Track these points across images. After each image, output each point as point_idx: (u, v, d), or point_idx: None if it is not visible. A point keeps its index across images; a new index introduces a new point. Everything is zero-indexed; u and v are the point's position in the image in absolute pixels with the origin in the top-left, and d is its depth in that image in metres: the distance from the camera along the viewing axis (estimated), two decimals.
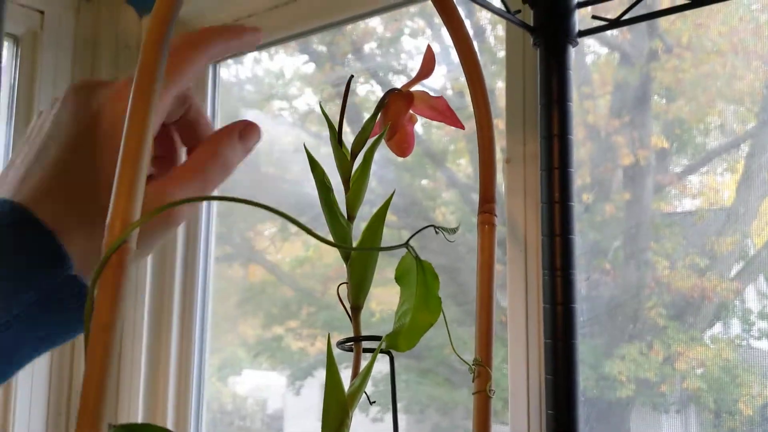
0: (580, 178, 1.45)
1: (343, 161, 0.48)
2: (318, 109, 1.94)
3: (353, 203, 0.48)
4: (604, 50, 1.67)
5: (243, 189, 1.65)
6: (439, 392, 1.54)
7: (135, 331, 1.30)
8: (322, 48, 1.79)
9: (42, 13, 1.39)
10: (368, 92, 1.87)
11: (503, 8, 0.67)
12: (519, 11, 0.68)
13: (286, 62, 1.83)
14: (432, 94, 0.54)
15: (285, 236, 1.89)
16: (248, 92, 1.63)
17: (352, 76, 0.51)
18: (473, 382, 0.43)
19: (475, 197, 0.48)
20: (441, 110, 0.51)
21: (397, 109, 0.50)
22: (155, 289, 1.33)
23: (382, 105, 0.50)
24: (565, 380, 0.63)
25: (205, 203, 1.39)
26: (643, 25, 1.35)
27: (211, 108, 1.44)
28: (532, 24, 0.67)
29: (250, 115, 1.70)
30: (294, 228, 2.04)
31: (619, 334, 1.32)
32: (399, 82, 1.84)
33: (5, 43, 1.42)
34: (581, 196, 1.54)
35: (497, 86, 1.73)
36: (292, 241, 1.89)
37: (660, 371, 1.31)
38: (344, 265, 0.50)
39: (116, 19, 1.37)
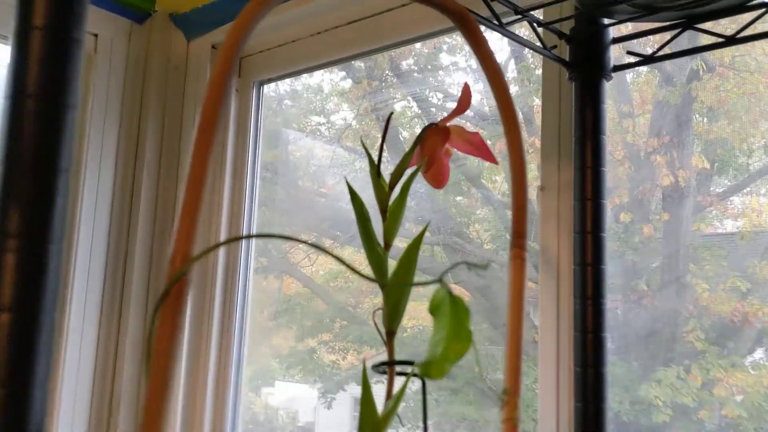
0: (618, 197, 1.44)
1: (381, 192, 0.50)
2: (355, 124, 1.96)
3: (390, 233, 0.50)
4: (645, 69, 1.66)
5: (280, 203, 1.67)
6: (469, 411, 1.52)
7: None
8: (360, 64, 1.81)
9: (96, 36, 1.44)
10: (405, 108, 1.88)
11: (540, 45, 0.67)
12: (555, 47, 0.69)
13: (324, 78, 1.85)
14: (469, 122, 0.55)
15: (320, 250, 1.90)
16: (287, 107, 1.65)
17: (392, 113, 0.54)
18: (501, 410, 0.44)
19: (510, 214, 0.49)
20: (476, 145, 0.53)
21: (434, 143, 0.53)
22: (196, 299, 1.36)
23: (420, 139, 0.52)
24: (594, 408, 0.63)
25: (245, 213, 1.42)
26: (684, 44, 1.33)
27: (254, 126, 1.46)
28: (568, 59, 0.68)
29: (290, 132, 1.72)
30: (329, 242, 2.05)
31: (656, 358, 1.30)
32: (436, 98, 1.85)
33: None
34: (619, 216, 1.51)
35: (535, 103, 1.72)
36: (327, 255, 1.90)
37: (698, 397, 1.28)
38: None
39: (166, 42, 1.40)
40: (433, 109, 1.71)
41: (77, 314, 1.33)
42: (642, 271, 1.34)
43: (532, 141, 1.45)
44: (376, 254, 0.49)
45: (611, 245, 1.28)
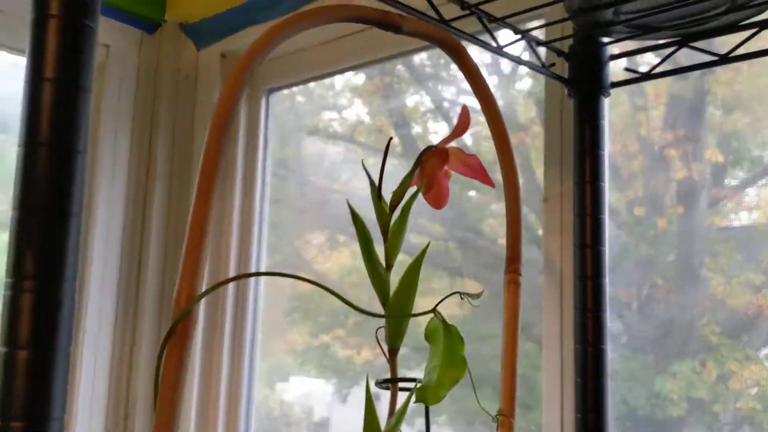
0: (632, 191, 1.43)
1: (383, 214, 0.52)
2: (367, 121, 1.96)
3: (391, 253, 0.52)
4: (658, 61, 1.65)
5: (292, 200, 1.67)
6: (484, 403, 1.52)
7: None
8: None
9: (108, 47, 1.47)
10: (417, 103, 1.88)
11: (538, 63, 0.69)
12: (553, 64, 0.71)
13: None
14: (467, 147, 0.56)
15: (333, 246, 1.91)
16: (299, 103, 1.66)
17: (391, 139, 0.56)
18: (497, 430, 0.47)
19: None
20: (474, 168, 0.56)
21: (433, 165, 0.55)
22: (209, 296, 1.37)
23: (419, 162, 0.54)
24: (594, 418, 0.65)
25: (257, 210, 1.43)
26: (682, 58, 1.33)
27: (263, 135, 1.47)
28: (566, 76, 0.70)
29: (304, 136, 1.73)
30: (342, 238, 2.06)
31: (671, 351, 1.30)
32: (448, 92, 1.84)
33: None
34: (633, 210, 1.51)
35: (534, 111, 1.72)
36: (340, 251, 1.91)
37: (713, 390, 1.28)
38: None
39: (176, 51, 1.42)
40: (446, 104, 1.71)
41: (92, 323, 1.34)
42: (657, 264, 1.34)
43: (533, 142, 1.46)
44: (378, 274, 0.51)
45: (626, 239, 1.28)
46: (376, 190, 0.52)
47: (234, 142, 1.40)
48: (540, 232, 1.39)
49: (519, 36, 0.65)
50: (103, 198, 1.39)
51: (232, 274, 1.36)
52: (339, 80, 1.90)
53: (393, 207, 0.53)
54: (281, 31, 0.40)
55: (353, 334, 1.92)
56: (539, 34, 0.76)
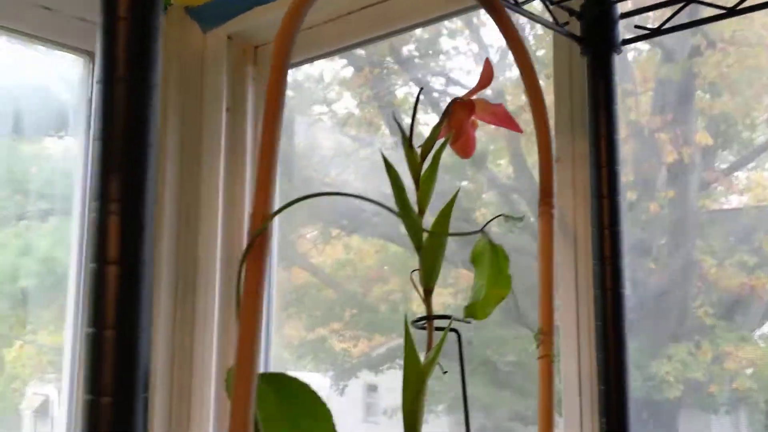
0: (623, 176, 1.44)
1: (414, 163, 0.55)
2: (357, 113, 1.96)
3: (423, 199, 0.55)
4: (646, 47, 1.65)
5: (281, 193, 1.67)
6: (481, 393, 1.53)
7: (206, 328, 1.34)
8: (361, 52, 1.81)
9: None
10: (407, 94, 1.88)
11: (553, 21, 0.71)
12: (567, 23, 0.73)
13: (326, 67, 1.85)
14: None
15: (326, 239, 1.91)
16: (289, 98, 1.65)
17: (422, 89, 0.58)
18: (537, 348, 0.53)
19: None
20: (500, 116, 0.58)
21: (460, 116, 0.57)
22: (224, 288, 1.38)
23: (447, 113, 0.57)
24: (615, 361, 0.68)
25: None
26: (684, 19, 1.32)
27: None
28: (579, 35, 0.72)
29: (297, 120, 1.72)
30: (335, 231, 2.06)
31: (666, 334, 1.30)
32: (438, 83, 1.85)
33: (80, 60, 1.50)
34: (624, 195, 1.52)
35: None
36: (334, 245, 1.91)
37: (708, 371, 1.29)
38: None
39: (182, 34, 1.42)
40: (436, 94, 1.71)
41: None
42: (649, 248, 1.35)
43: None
44: (412, 220, 0.53)
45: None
46: (408, 141, 0.55)
47: (243, 121, 1.40)
48: (533, 219, 1.39)
49: None
50: None
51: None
52: (327, 73, 1.89)
53: (424, 156, 0.56)
54: None
55: (349, 326, 1.92)
56: None
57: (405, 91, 1.84)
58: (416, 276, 0.54)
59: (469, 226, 1.66)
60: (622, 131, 1.34)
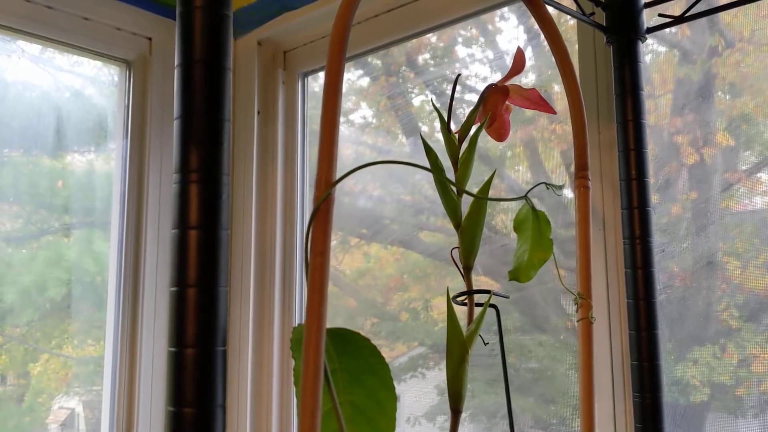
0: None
1: (452, 146, 0.60)
2: (375, 122, 1.97)
3: (462, 180, 0.59)
4: (663, 49, 1.64)
5: (307, 204, 1.68)
6: (505, 399, 1.52)
7: (241, 324, 1.36)
8: (377, 62, 1.81)
9: (150, 39, 1.52)
10: (423, 102, 1.88)
11: (579, 12, 0.73)
12: (593, 13, 0.75)
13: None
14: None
15: (346, 248, 1.91)
16: (309, 110, 1.66)
17: (459, 75, 0.62)
18: (577, 312, 0.56)
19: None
20: (534, 100, 0.62)
21: (494, 100, 0.61)
22: (258, 284, 1.38)
23: (482, 98, 0.60)
24: (647, 336, 0.70)
25: (299, 192, 1.45)
26: (702, 21, 1.32)
27: (301, 114, 1.50)
28: (604, 24, 0.74)
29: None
30: (354, 240, 2.06)
31: (691, 338, 1.29)
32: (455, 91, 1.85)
33: (117, 69, 1.54)
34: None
35: (556, 90, 1.71)
36: (353, 253, 1.91)
37: (735, 374, 1.27)
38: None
39: None
40: (453, 102, 1.71)
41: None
42: (672, 251, 1.33)
43: (553, 127, 1.45)
44: (451, 200, 0.58)
45: None
46: (446, 125, 0.59)
47: (273, 123, 1.42)
48: (553, 225, 1.39)
49: None
50: (153, 191, 1.46)
51: (278, 255, 1.39)
52: (344, 84, 1.90)
53: (461, 139, 0.59)
54: None
55: (370, 336, 1.91)
56: None
57: (422, 99, 1.84)
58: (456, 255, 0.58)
59: (490, 232, 1.66)
60: None
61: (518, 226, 0.59)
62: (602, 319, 0.82)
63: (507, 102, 0.62)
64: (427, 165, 0.61)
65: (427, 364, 1.68)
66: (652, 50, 1.64)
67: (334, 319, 1.96)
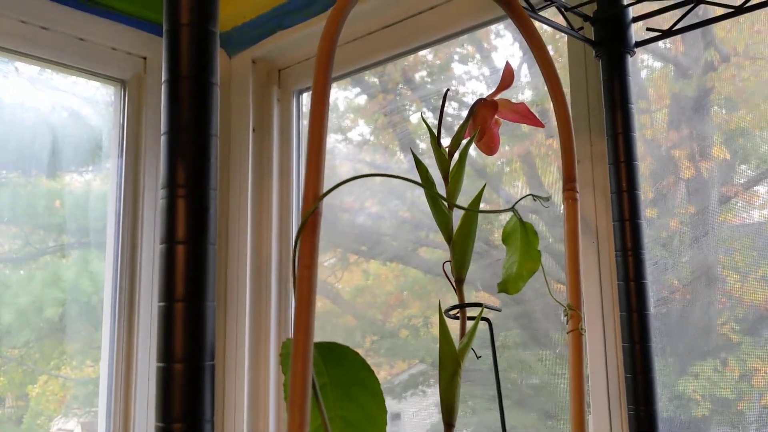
0: (642, 193, 1.43)
1: (442, 160, 0.59)
2: (372, 139, 1.97)
3: (452, 193, 0.59)
4: (659, 64, 1.65)
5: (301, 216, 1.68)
6: (507, 415, 1.51)
7: (238, 339, 1.35)
8: (374, 79, 1.82)
9: (145, 58, 1.53)
10: (421, 116, 1.89)
11: (568, 27, 0.74)
12: (581, 28, 0.76)
13: (339, 96, 1.87)
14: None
15: (345, 266, 1.90)
16: (304, 127, 1.67)
17: (448, 90, 0.62)
18: (567, 324, 0.56)
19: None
20: (523, 113, 0.62)
21: (484, 114, 0.61)
22: (254, 299, 1.38)
23: (472, 112, 0.61)
24: (641, 348, 0.70)
25: (294, 208, 1.45)
26: (697, 35, 1.33)
27: (296, 131, 1.51)
28: (593, 38, 0.75)
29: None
30: (353, 257, 2.06)
31: (692, 352, 1.28)
32: (451, 108, 1.85)
33: (113, 88, 1.55)
34: (644, 212, 1.50)
35: (549, 106, 1.72)
36: (352, 271, 1.90)
37: (737, 388, 1.26)
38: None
39: None
40: (449, 119, 1.71)
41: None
42: (671, 265, 1.33)
43: (549, 143, 1.45)
44: (442, 213, 0.58)
45: None
46: (436, 140, 0.59)
47: (268, 140, 1.43)
48: (551, 240, 1.38)
49: (549, 2, 0.71)
50: (148, 202, 1.45)
51: (274, 269, 1.39)
52: (341, 102, 1.91)
53: (451, 153, 0.60)
54: None
55: (370, 353, 1.91)
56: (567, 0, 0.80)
57: (419, 116, 1.85)
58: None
59: (488, 248, 1.66)
60: (639, 149, 1.35)
61: (506, 238, 0.59)
62: (597, 332, 0.82)
63: (496, 116, 0.63)
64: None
65: (427, 382, 1.67)
66: (647, 65, 1.65)
67: (332, 338, 1.95)
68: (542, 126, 0.65)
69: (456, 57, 1.82)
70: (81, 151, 1.57)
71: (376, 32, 1.27)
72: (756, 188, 1.71)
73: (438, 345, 0.57)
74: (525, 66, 1.65)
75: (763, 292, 1.36)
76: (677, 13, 0.73)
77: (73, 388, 1.59)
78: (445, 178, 0.59)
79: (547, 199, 0.59)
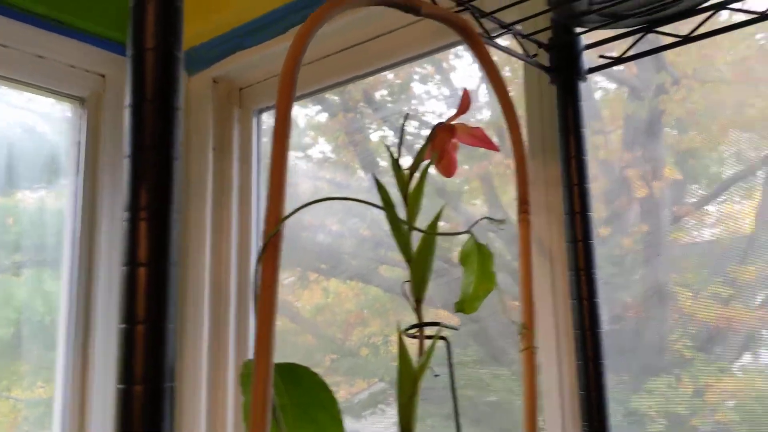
0: (596, 212, 1.46)
1: (402, 181, 0.60)
2: (333, 157, 1.98)
3: (412, 214, 0.60)
4: (613, 86, 1.69)
5: (263, 235, 1.67)
6: None
7: (196, 361, 1.34)
8: (335, 98, 1.83)
9: (103, 76, 1.52)
10: (381, 137, 1.90)
11: (524, 53, 0.76)
12: (536, 55, 0.78)
13: (299, 113, 1.87)
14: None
15: (305, 284, 1.90)
16: (264, 144, 1.66)
17: (408, 114, 0.65)
18: (520, 342, 0.58)
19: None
20: (479, 137, 0.65)
21: (442, 138, 0.64)
22: (213, 322, 1.37)
23: (431, 136, 0.63)
24: (594, 366, 0.72)
25: (254, 228, 1.44)
26: (649, 60, 1.37)
27: (256, 150, 1.50)
28: (548, 65, 0.77)
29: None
30: (313, 275, 2.05)
31: (647, 368, 1.31)
32: (412, 126, 1.87)
33: (70, 105, 1.53)
34: (598, 231, 1.53)
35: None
36: (312, 289, 1.90)
37: (690, 404, 1.29)
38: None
39: None
40: (410, 137, 1.73)
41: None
42: (624, 283, 1.36)
43: (508, 162, 1.47)
44: (401, 234, 0.59)
45: None
46: (395, 161, 0.61)
47: (228, 159, 1.42)
48: (509, 258, 1.40)
49: (505, 29, 0.74)
50: (106, 224, 1.44)
51: (233, 290, 1.38)
52: (302, 120, 1.91)
53: (411, 175, 0.62)
54: (321, 15, 0.51)
55: (330, 372, 1.90)
56: (522, 27, 0.82)
57: (380, 134, 1.86)
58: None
59: (447, 266, 1.67)
60: (592, 169, 1.38)
61: (464, 259, 0.61)
62: (551, 350, 0.84)
63: (454, 139, 0.65)
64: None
65: (387, 400, 1.66)
66: (602, 87, 1.69)
67: (291, 357, 1.93)
68: (497, 150, 0.68)
69: (416, 77, 1.85)
70: (36, 168, 1.54)
71: (335, 54, 1.28)
72: (706, 207, 1.75)
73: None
74: (483, 86, 1.68)
75: (714, 309, 1.40)
76: (630, 40, 0.76)
77: (24, 409, 1.55)
78: (405, 198, 0.61)
79: (502, 221, 0.61)
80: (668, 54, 1.71)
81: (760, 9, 0.63)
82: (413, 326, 0.60)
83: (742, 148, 1.69)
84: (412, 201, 0.61)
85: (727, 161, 1.72)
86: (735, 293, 1.39)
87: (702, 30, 0.68)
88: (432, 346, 0.58)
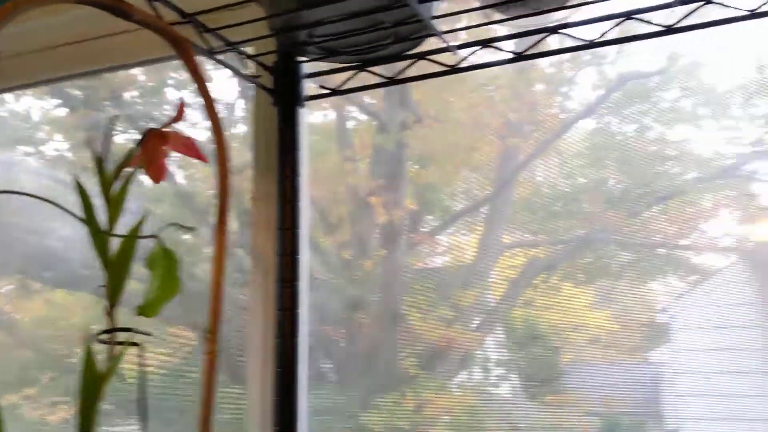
0: (340, 234, 1.51)
1: (105, 183, 0.58)
2: (71, 156, 1.82)
3: (113, 218, 0.58)
4: (364, 117, 1.78)
5: None
6: None
7: None
8: (77, 93, 1.69)
9: None
10: (127, 140, 1.79)
11: (250, 76, 0.78)
12: (260, 76, 0.81)
13: (33, 105, 1.69)
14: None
15: (26, 294, 1.71)
16: None
17: (115, 116, 0.61)
18: (204, 346, 0.58)
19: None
20: (190, 147, 0.65)
21: (154, 144, 0.63)
22: None
23: (142, 140, 0.59)
24: (289, 376, 0.77)
25: None
26: (396, 96, 1.47)
27: None
28: (271, 87, 0.80)
29: None
30: (37, 285, 1.85)
31: (378, 386, 1.38)
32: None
33: None
34: (341, 253, 1.59)
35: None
36: (34, 300, 1.72)
37: (412, 419, 1.38)
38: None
39: None
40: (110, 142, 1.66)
41: None
42: (363, 304, 1.42)
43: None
44: (99, 237, 0.56)
45: (335, 281, 1.34)
46: (99, 162, 0.59)
47: None
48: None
49: (229, 47, 0.74)
50: None
51: None
52: (36, 112, 1.73)
53: (115, 176, 0.60)
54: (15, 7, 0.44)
55: (48, 392, 1.72)
56: (250, 48, 0.84)
57: (126, 137, 1.76)
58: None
59: (190, 282, 1.61)
60: (342, 193, 1.43)
61: (151, 264, 0.61)
62: (257, 359, 0.87)
63: (165, 146, 0.64)
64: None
65: (112, 420, 1.55)
66: (354, 117, 1.77)
67: (4, 375, 1.73)
68: (206, 161, 0.69)
69: (171, 82, 1.77)
70: None
71: (62, 46, 1.19)
72: (438, 237, 1.91)
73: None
74: (242, 101, 1.66)
75: (439, 330, 1.52)
76: (351, 74, 0.81)
77: None
78: (107, 200, 0.59)
79: (192, 229, 0.61)
80: (414, 92, 1.85)
81: (451, 63, 0.71)
82: (105, 331, 0.59)
83: (470, 186, 1.87)
84: (113, 204, 0.59)
85: (458, 197, 1.90)
86: (457, 315, 1.53)
87: (409, 74, 0.76)
88: (122, 351, 0.57)
